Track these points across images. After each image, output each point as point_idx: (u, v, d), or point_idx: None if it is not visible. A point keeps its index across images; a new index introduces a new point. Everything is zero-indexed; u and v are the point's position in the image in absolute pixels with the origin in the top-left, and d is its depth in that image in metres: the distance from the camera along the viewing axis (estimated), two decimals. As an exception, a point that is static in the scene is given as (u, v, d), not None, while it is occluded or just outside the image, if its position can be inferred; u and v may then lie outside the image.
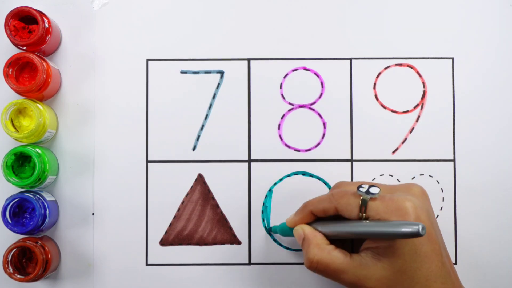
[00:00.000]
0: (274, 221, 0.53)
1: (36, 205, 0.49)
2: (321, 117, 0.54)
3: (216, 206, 0.53)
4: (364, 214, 0.43)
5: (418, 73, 0.54)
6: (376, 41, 0.54)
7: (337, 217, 0.45)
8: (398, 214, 0.41)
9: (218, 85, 0.54)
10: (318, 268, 0.44)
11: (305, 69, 0.54)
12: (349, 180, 0.53)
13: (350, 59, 0.54)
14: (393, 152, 0.54)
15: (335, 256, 0.44)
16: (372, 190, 0.43)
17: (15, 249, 0.49)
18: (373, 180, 0.53)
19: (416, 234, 0.39)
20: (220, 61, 0.54)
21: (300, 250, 0.53)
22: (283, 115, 0.54)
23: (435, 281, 0.42)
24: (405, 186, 0.46)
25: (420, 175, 0.53)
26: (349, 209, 0.43)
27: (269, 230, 0.53)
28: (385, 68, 0.54)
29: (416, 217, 0.41)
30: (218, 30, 0.54)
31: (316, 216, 0.46)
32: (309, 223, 0.47)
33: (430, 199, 0.46)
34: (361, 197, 0.43)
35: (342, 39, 0.54)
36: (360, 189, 0.43)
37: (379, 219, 0.42)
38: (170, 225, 0.53)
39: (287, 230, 0.49)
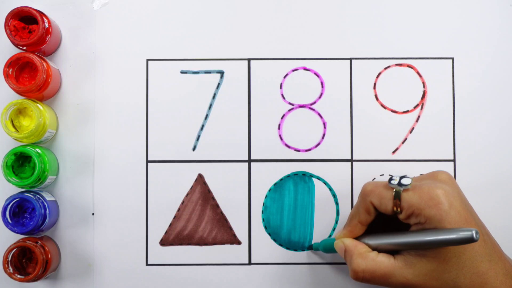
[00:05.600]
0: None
1: (36, 205, 0.49)
2: (321, 117, 0.54)
3: (216, 206, 0.53)
4: (398, 208, 0.43)
5: (418, 73, 0.54)
6: (376, 41, 0.54)
7: (384, 230, 0.46)
8: (432, 203, 0.42)
9: (218, 85, 0.54)
10: (365, 277, 0.44)
11: (305, 69, 0.54)
12: (350, 180, 0.53)
13: (350, 59, 0.54)
14: (393, 152, 0.54)
15: (379, 262, 0.44)
16: (404, 181, 0.43)
17: (15, 249, 0.49)
18: (373, 180, 0.53)
19: (470, 240, 0.39)
20: (220, 61, 0.54)
21: (301, 250, 0.53)
22: (283, 115, 0.54)
23: (481, 261, 0.42)
24: (431, 174, 0.46)
25: (420, 175, 0.53)
26: (384, 202, 0.44)
27: (309, 247, 0.53)
28: (385, 68, 0.54)
29: (449, 204, 0.42)
30: (218, 30, 0.54)
31: (364, 225, 0.46)
32: (359, 237, 0.47)
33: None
34: (394, 190, 0.43)
35: (342, 39, 0.54)
36: (392, 181, 0.43)
37: (413, 212, 0.42)
38: (170, 225, 0.53)
39: (330, 246, 0.49)
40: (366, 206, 0.45)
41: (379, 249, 0.45)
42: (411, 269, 0.43)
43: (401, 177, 0.43)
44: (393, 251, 0.44)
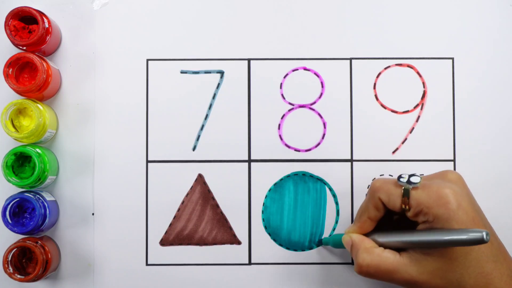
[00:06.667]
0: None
1: (36, 205, 0.49)
2: (321, 117, 0.54)
3: (216, 206, 0.53)
4: (407, 206, 0.43)
5: (418, 73, 0.54)
6: (376, 41, 0.54)
7: (395, 228, 0.46)
8: (440, 202, 0.42)
9: (218, 85, 0.54)
10: (369, 271, 0.44)
11: (305, 69, 0.54)
12: (350, 180, 0.53)
13: (350, 59, 0.54)
14: (393, 152, 0.54)
15: (385, 257, 0.44)
16: (413, 179, 0.43)
17: (15, 249, 0.49)
18: (373, 180, 0.53)
19: (480, 241, 0.39)
20: (220, 61, 0.54)
21: (301, 250, 0.53)
22: (283, 115, 0.54)
23: (487, 262, 0.42)
24: (440, 173, 0.46)
25: (420, 175, 0.53)
26: (392, 199, 0.44)
27: (319, 243, 0.53)
28: (385, 68, 0.54)
29: (458, 204, 0.42)
30: (218, 30, 0.54)
31: (374, 221, 0.46)
32: (368, 234, 0.47)
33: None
34: (403, 187, 0.43)
35: (342, 39, 0.54)
36: (401, 179, 0.44)
37: (422, 210, 0.42)
38: (170, 225, 0.53)
39: (339, 241, 0.49)
40: (375, 202, 0.45)
41: (386, 246, 0.45)
42: (416, 266, 0.43)
43: (410, 175, 0.43)
44: (399, 249, 0.44)
